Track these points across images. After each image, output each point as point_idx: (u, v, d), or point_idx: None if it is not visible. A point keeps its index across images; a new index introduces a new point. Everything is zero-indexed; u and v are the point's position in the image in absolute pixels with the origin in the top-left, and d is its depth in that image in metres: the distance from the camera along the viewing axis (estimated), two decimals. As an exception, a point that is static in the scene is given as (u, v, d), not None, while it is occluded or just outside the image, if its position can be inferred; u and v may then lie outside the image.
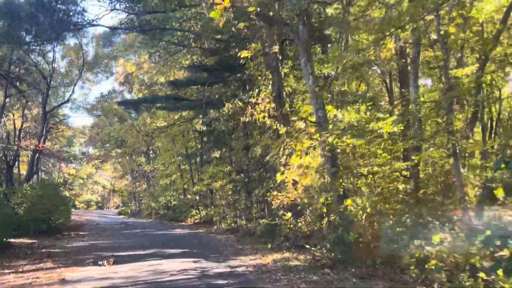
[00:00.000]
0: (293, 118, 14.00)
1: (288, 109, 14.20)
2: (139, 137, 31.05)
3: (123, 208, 59.08)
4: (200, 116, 20.84)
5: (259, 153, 16.14)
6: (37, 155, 26.93)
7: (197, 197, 31.23)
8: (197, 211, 31.93)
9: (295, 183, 12.62)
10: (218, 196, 26.65)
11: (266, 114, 14.48)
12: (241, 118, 15.37)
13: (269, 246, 14.29)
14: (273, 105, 14.42)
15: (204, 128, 22.50)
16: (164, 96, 23.21)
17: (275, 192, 12.80)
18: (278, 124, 14.10)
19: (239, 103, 15.60)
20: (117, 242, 17.34)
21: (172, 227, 27.22)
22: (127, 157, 50.57)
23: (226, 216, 25.70)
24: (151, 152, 49.16)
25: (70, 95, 27.13)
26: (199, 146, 27.82)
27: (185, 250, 14.33)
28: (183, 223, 32.07)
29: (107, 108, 33.86)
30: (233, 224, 24.61)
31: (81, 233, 22.41)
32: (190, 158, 25.71)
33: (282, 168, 12.94)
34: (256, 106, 14.62)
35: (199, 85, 22.16)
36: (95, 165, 69.83)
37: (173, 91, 22.83)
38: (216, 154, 21.94)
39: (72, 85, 28.15)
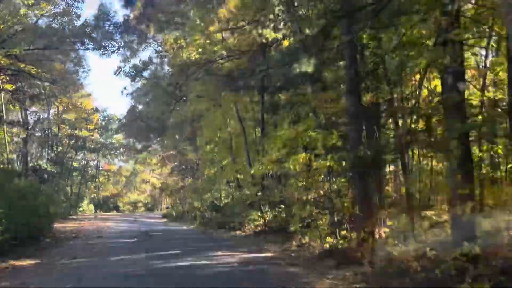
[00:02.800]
0: None
1: None
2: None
3: (168, 210, 48.20)
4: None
5: None
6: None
7: (259, 192, 18.89)
8: (258, 213, 19.70)
9: None
10: (297, 187, 14.05)
11: None
12: None
13: None
14: None
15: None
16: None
17: None
18: None
19: None
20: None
21: (215, 245, 15.12)
22: (166, 142, 39.57)
23: (316, 223, 13.07)
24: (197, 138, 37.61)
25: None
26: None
27: None
28: (238, 232, 20.10)
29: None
30: (332, 240, 12.16)
31: (27, 264, 10.83)
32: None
33: None
34: None
35: None
36: (139, 160, 59.80)
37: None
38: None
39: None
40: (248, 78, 16.62)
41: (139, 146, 53.70)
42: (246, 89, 18.58)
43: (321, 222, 12.84)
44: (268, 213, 19.20)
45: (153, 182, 71.40)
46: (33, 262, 11.09)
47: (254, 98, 20.02)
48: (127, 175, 64.50)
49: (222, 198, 27.08)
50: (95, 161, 57.45)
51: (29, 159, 30.37)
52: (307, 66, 10.85)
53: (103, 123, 50.83)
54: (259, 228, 20.00)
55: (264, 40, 13.40)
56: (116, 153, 56.93)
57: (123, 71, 33.10)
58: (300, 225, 13.76)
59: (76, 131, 41.48)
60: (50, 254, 12.83)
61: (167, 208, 55.03)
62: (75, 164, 50.35)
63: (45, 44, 18.59)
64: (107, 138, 56.14)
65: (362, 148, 11.15)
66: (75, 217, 37.47)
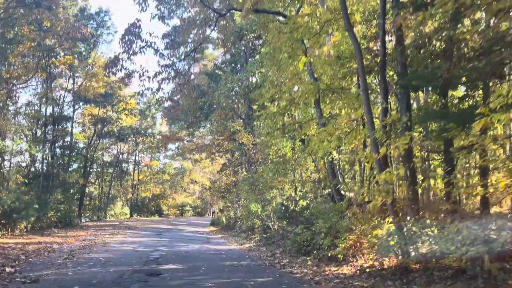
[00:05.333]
0: None
1: None
2: None
3: (218, 215, 37.68)
4: None
5: None
6: None
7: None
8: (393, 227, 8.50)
9: None
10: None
11: None
12: None
13: None
14: None
15: None
16: None
17: None
18: None
19: None
20: None
21: None
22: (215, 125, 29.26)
23: None
24: (253, 112, 26.80)
25: None
26: None
27: None
28: (344, 268, 9.19)
29: None
30: None
31: None
32: None
33: None
34: None
35: None
36: (183, 154, 49.88)
37: None
38: None
39: None
40: None
41: (185, 135, 44.08)
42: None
43: None
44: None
45: (202, 182, 61.43)
46: None
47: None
48: (173, 173, 54.77)
49: (298, 199, 15.97)
50: (134, 156, 48.23)
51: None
52: None
53: (140, 107, 41.43)
54: (396, 260, 8.86)
55: None
56: (156, 146, 47.37)
57: None
58: None
59: (90, 107, 31.82)
60: None
61: (213, 212, 44.68)
62: (106, 158, 41.23)
63: None
64: (147, 128, 46.89)
65: None
66: (90, 224, 27.90)
